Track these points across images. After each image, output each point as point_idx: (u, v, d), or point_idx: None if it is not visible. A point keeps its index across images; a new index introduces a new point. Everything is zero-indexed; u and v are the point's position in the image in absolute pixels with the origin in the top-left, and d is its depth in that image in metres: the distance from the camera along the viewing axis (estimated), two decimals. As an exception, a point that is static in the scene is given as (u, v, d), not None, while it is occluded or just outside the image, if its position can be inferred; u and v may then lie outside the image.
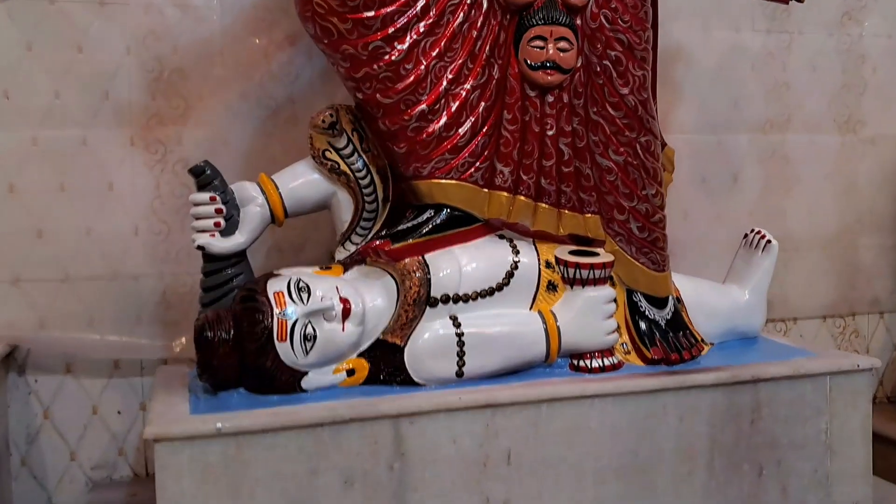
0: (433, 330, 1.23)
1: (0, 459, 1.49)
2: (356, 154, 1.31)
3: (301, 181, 1.32)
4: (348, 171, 1.30)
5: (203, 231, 1.26)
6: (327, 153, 1.30)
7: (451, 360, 1.24)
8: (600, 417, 1.25)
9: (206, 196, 1.26)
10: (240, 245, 1.28)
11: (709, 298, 1.48)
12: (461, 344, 1.24)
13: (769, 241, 1.52)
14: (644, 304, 1.37)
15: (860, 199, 2.00)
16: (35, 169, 1.49)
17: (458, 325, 1.24)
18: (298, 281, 1.20)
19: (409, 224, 1.28)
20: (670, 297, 1.40)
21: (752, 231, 1.56)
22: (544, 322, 1.29)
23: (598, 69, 1.29)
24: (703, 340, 1.44)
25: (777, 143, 1.92)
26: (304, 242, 1.59)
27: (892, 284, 2.04)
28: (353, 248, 1.33)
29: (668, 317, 1.38)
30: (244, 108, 1.58)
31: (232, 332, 1.18)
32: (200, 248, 1.26)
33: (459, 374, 1.24)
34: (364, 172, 1.31)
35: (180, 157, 1.55)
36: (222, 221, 1.27)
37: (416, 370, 1.23)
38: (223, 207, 1.27)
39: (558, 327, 1.29)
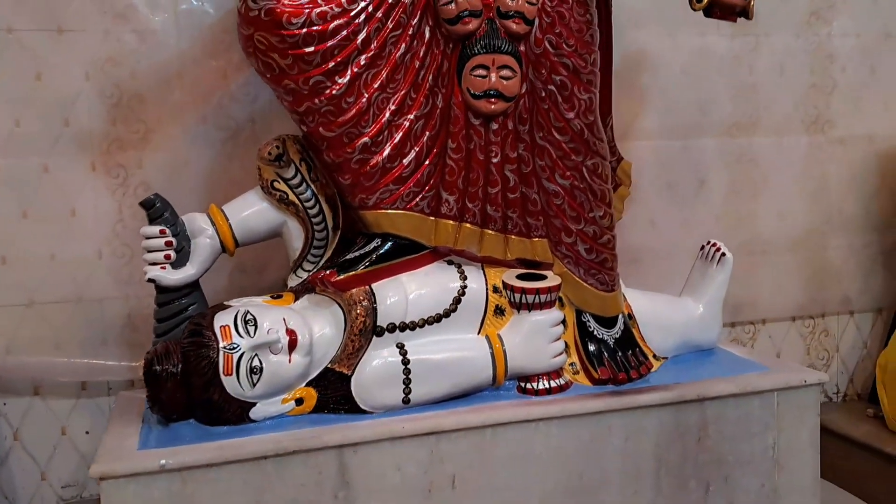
0: (380, 358, 1.26)
1: (-28, 480, 1.53)
2: (304, 184, 1.32)
3: (251, 211, 1.34)
4: (297, 202, 1.32)
5: (154, 263, 1.29)
6: (276, 183, 1.32)
7: (398, 388, 1.26)
8: (545, 440, 1.27)
9: (155, 229, 1.29)
10: (190, 277, 1.30)
11: (662, 313, 1.49)
12: (407, 372, 1.26)
13: (724, 255, 1.53)
14: (593, 324, 1.39)
15: (829, 199, 2.00)
16: (-2, 197, 1.52)
17: (404, 353, 1.27)
18: (246, 313, 1.23)
19: (357, 253, 1.30)
20: (620, 316, 1.41)
21: (709, 243, 1.57)
22: (491, 347, 1.31)
23: (544, 94, 1.30)
24: (655, 356, 1.46)
25: (744, 146, 1.92)
26: (267, 263, 1.61)
27: (862, 284, 2.04)
28: (304, 276, 1.35)
29: (618, 335, 1.40)
30: (204, 130, 1.59)
31: (180, 367, 1.21)
32: (151, 280, 1.29)
33: (406, 401, 1.27)
34: (312, 202, 1.33)
35: (142, 181, 1.58)
36: (172, 254, 1.29)
37: (364, 399, 1.25)
38: (173, 240, 1.29)
39: (504, 351, 1.31)
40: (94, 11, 1.51)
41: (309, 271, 1.35)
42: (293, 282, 1.36)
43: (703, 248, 1.58)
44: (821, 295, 2.02)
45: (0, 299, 1.53)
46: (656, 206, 1.87)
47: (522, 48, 1.28)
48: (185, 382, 1.21)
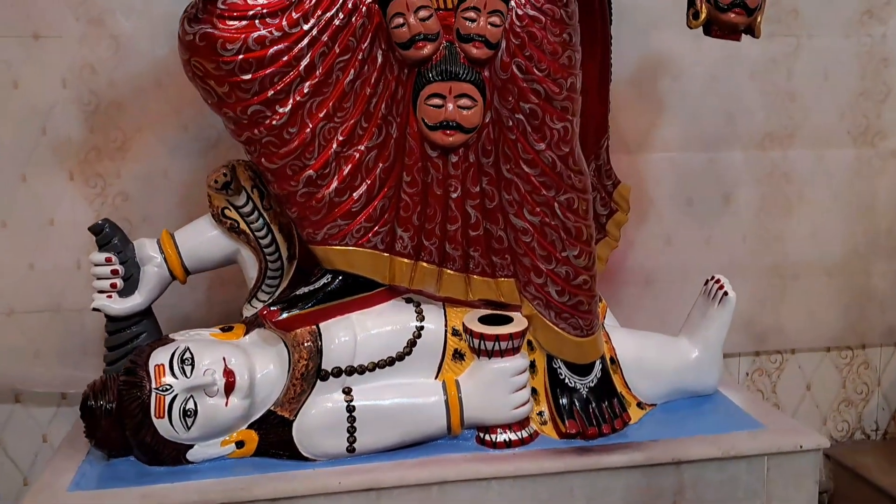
0: (323, 404, 1.19)
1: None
2: (256, 212, 1.25)
3: (202, 239, 1.28)
4: (248, 231, 1.25)
5: (102, 291, 1.25)
6: (227, 211, 1.25)
7: (342, 437, 1.19)
8: (499, 500, 1.18)
9: (102, 257, 1.25)
10: (138, 306, 1.26)
11: (651, 358, 1.36)
12: (352, 420, 1.19)
13: (726, 293, 1.38)
14: (564, 371, 1.27)
15: (876, 219, 1.80)
16: (-25, 206, 1.51)
17: (350, 399, 1.19)
18: (184, 351, 1.18)
19: (307, 289, 1.22)
20: (597, 363, 1.30)
21: (712, 279, 1.42)
22: (446, 394, 1.22)
23: (511, 123, 1.18)
24: (640, 404, 1.34)
25: (777, 159, 1.74)
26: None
27: (910, 314, 1.85)
28: (259, 306, 1.29)
29: (593, 384, 1.28)
30: (183, 138, 1.54)
31: (114, 404, 1.17)
32: (96, 309, 1.25)
33: (351, 449, 1.19)
34: (264, 232, 1.26)
35: (120, 191, 1.54)
36: (119, 282, 1.25)
37: (305, 446, 1.19)
38: (119, 268, 1.25)
39: (460, 399, 1.22)
40: (70, 17, 1.47)
41: (264, 301, 1.29)
42: (248, 311, 1.30)
43: (706, 283, 1.43)
44: (861, 324, 1.83)
45: (-24, 308, 1.54)
46: (673, 224, 1.73)
47: (487, 73, 1.16)
48: (119, 421, 1.17)
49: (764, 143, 1.73)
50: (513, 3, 1.14)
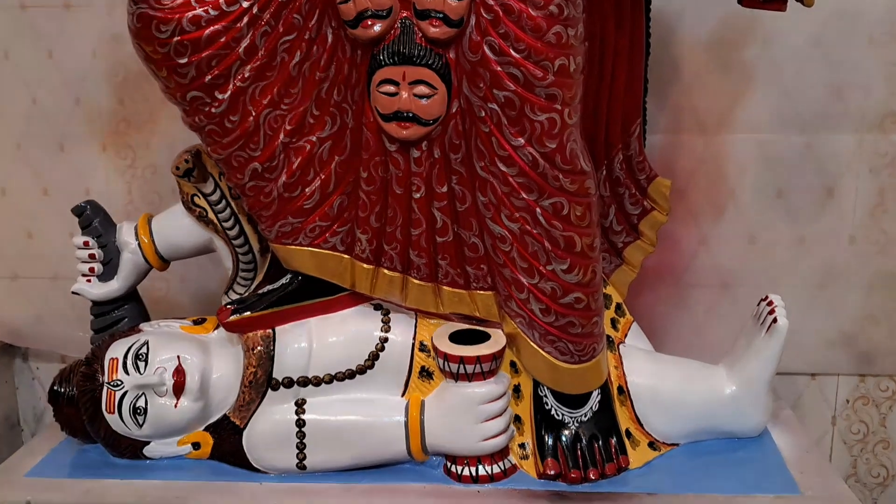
0: (271, 416, 1.10)
1: (14, 432, 1.66)
2: (224, 201, 1.17)
3: (175, 226, 1.22)
4: (216, 221, 1.17)
5: (84, 275, 1.24)
6: (196, 198, 1.18)
7: (290, 452, 1.10)
8: (449, 546, 1.05)
9: (81, 240, 1.22)
10: (114, 292, 1.23)
11: (671, 388, 1.15)
12: (301, 435, 1.09)
13: (776, 320, 1.12)
14: (550, 401, 1.10)
15: None
16: (21, 173, 1.55)
17: (301, 412, 1.09)
18: (141, 346, 1.13)
19: (267, 288, 1.13)
20: (594, 393, 1.11)
21: (764, 299, 1.17)
22: (407, 415, 1.09)
23: (483, 114, 0.99)
24: (652, 444, 1.14)
25: (902, 146, 1.40)
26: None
27: None
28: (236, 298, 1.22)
29: (586, 418, 1.10)
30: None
31: (75, 392, 1.15)
32: (75, 293, 1.24)
33: (301, 466, 1.10)
34: (232, 223, 1.17)
35: (149, 163, 1.52)
36: (97, 267, 1.22)
37: (254, 458, 1.11)
38: (97, 253, 1.22)
39: (422, 422, 1.08)
40: (98, -16, 1.45)
41: (240, 294, 1.22)
42: (226, 302, 1.23)
43: (758, 303, 1.18)
44: None
45: (29, 271, 1.59)
46: (759, 219, 1.44)
47: (453, 55, 0.98)
48: (79, 410, 1.15)
49: (885, 124, 1.39)
50: (485, -32, 0.95)
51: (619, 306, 1.21)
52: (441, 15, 0.95)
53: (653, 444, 1.14)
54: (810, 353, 1.48)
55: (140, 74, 1.45)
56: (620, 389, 1.14)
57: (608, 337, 1.15)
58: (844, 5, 1.34)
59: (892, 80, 1.37)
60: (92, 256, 1.22)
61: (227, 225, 1.17)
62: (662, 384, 1.14)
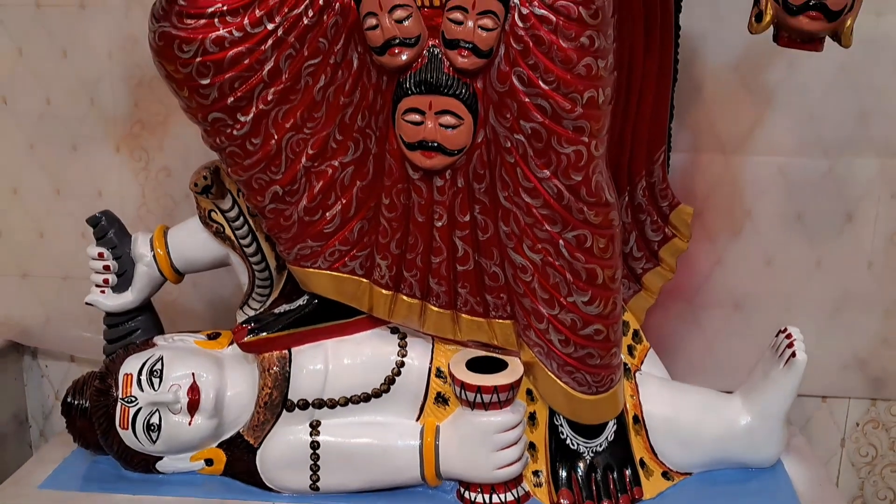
0: (286, 437, 1.10)
1: (22, 428, 1.66)
2: (242, 218, 1.16)
3: (192, 240, 1.21)
4: (233, 237, 1.16)
5: (98, 286, 1.23)
6: (213, 214, 1.17)
7: (304, 473, 1.10)
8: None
9: (95, 251, 1.21)
10: (129, 304, 1.22)
11: (687, 419, 1.14)
12: (315, 458, 1.09)
13: (794, 354, 1.12)
14: (566, 430, 1.10)
15: None
16: (34, 173, 1.53)
17: (316, 434, 1.09)
18: (155, 362, 1.13)
19: (284, 308, 1.13)
20: (610, 423, 1.10)
21: (783, 331, 1.16)
22: (421, 440, 1.09)
23: (509, 144, 0.98)
24: (666, 473, 1.14)
25: (927, 173, 1.39)
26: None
27: None
28: (251, 314, 1.21)
29: (601, 448, 1.10)
30: (224, 116, 1.47)
31: (88, 405, 1.15)
32: (89, 304, 1.23)
33: (315, 487, 1.10)
34: (249, 239, 1.16)
35: (163, 166, 1.51)
36: (111, 278, 1.22)
37: (268, 477, 1.11)
38: (111, 264, 1.21)
39: (437, 449, 1.08)
40: (114, -16, 1.42)
41: (255, 309, 1.21)
42: (241, 318, 1.23)
43: (777, 334, 1.17)
44: None
45: (40, 270, 1.59)
46: (777, 242, 1.43)
47: (480, 84, 0.97)
48: (92, 423, 1.15)
49: (907, 150, 1.38)
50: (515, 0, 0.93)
51: (636, 333, 1.21)
52: (470, 45, 0.93)
53: (666, 474, 1.14)
54: (823, 377, 1.47)
55: (155, 77, 1.42)
56: (636, 419, 1.13)
57: (625, 364, 1.15)
58: (873, 33, 1.32)
59: (918, 107, 1.36)
60: (106, 268, 1.21)
61: (244, 242, 1.16)
62: (678, 415, 1.14)
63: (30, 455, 1.66)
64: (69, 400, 1.17)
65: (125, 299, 1.22)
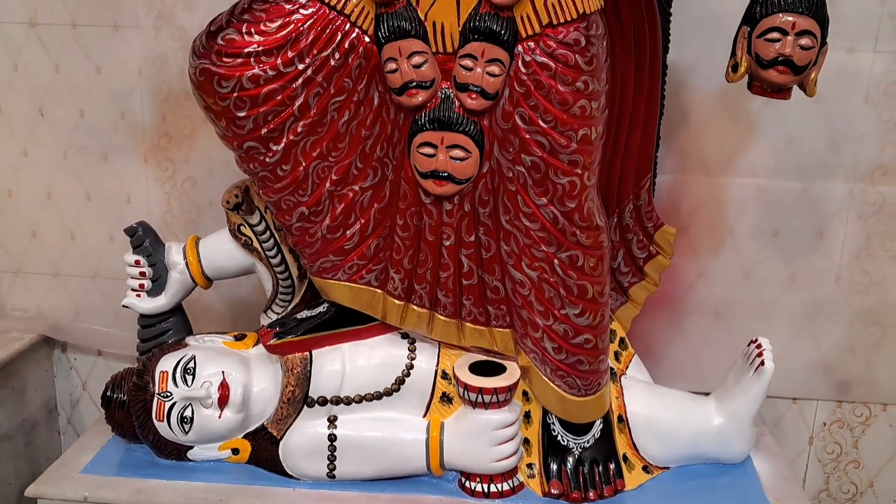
0: (306, 430, 1.22)
1: (51, 416, 1.78)
2: (268, 232, 1.28)
3: (221, 250, 1.33)
4: (259, 249, 1.29)
5: (134, 290, 1.35)
6: (242, 228, 1.29)
7: (322, 463, 1.22)
8: (459, 554, 1.18)
9: (132, 259, 1.33)
10: (162, 307, 1.34)
11: (666, 419, 1.27)
12: (333, 449, 1.22)
13: (763, 363, 1.25)
14: (557, 428, 1.22)
15: None
16: (66, 180, 1.65)
17: (333, 427, 1.22)
18: (188, 361, 1.25)
19: (305, 314, 1.25)
20: (597, 422, 1.23)
21: (753, 341, 1.29)
22: (428, 434, 1.21)
23: (511, 175, 1.10)
24: (646, 467, 1.27)
25: (891, 196, 1.51)
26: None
27: None
28: (274, 318, 1.33)
29: (588, 444, 1.22)
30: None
31: (126, 399, 1.27)
32: (126, 306, 1.35)
33: (332, 475, 1.23)
34: (275, 252, 1.28)
35: (188, 176, 1.62)
36: (147, 283, 1.34)
37: (289, 466, 1.24)
38: (147, 271, 1.33)
39: (441, 442, 1.21)
40: (144, 8, 1.53)
41: (278, 314, 1.33)
42: (265, 321, 1.35)
43: (749, 344, 1.30)
44: (975, 388, 1.59)
45: (70, 270, 1.70)
46: (754, 256, 1.56)
47: (486, 122, 1.09)
48: (130, 415, 1.27)
49: (874, 176, 1.50)
50: (520, 48, 1.05)
51: (622, 340, 1.33)
52: (478, 89, 1.06)
53: (646, 468, 1.27)
54: (794, 380, 1.60)
55: (182, 93, 1.58)
56: (620, 418, 1.26)
57: (611, 369, 1.28)
58: (845, 66, 1.44)
59: (884, 136, 1.48)
60: (142, 274, 1.33)
61: (270, 254, 1.28)
62: (658, 415, 1.27)
63: (58, 440, 1.80)
64: (108, 394, 1.29)
65: (159, 303, 1.34)
